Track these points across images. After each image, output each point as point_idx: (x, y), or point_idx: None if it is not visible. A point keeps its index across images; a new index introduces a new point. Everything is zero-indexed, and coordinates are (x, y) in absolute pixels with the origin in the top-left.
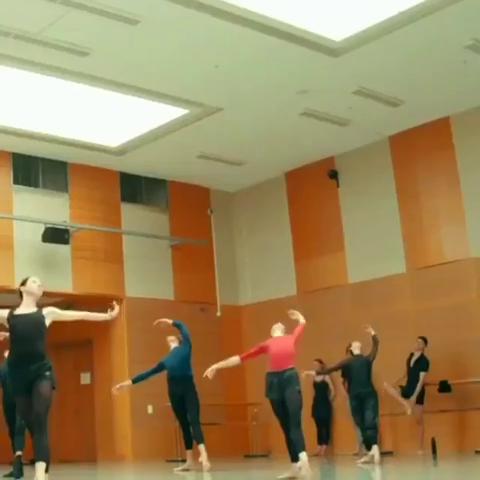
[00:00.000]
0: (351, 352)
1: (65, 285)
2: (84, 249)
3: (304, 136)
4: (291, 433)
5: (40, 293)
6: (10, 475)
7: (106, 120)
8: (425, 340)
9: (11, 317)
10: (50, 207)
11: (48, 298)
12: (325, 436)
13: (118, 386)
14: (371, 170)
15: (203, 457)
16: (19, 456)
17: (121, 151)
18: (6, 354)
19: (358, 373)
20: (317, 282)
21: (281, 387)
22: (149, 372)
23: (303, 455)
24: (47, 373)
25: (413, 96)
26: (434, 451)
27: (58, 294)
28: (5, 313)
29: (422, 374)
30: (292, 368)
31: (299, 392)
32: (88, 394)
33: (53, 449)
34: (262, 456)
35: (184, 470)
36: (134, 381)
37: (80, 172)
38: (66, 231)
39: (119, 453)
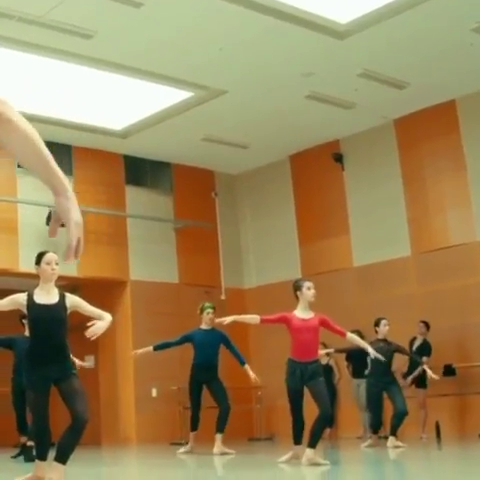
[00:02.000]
0: (376, 331)
1: (69, 268)
2: (88, 232)
3: (309, 119)
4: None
5: (55, 278)
6: (18, 455)
7: (110, 103)
8: (427, 324)
9: (31, 305)
10: None
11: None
12: (330, 419)
13: (139, 352)
14: (376, 153)
15: (220, 446)
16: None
17: (125, 134)
18: (27, 332)
19: (378, 361)
20: (322, 265)
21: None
22: (172, 343)
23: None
24: (74, 371)
25: (419, 79)
26: (438, 435)
27: (62, 278)
28: (23, 298)
29: (425, 359)
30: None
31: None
32: (92, 377)
33: (57, 433)
34: (266, 439)
35: (187, 452)
36: (156, 348)
37: (84, 155)
38: None
39: (123, 436)
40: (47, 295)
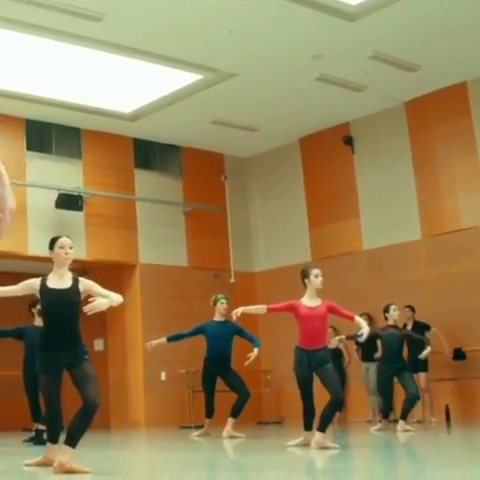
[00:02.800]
0: (385, 317)
1: (78, 252)
2: (97, 215)
3: (319, 101)
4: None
5: (69, 262)
6: (29, 440)
7: (119, 86)
8: (412, 308)
9: (44, 290)
10: (63, 173)
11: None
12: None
13: (154, 343)
14: (387, 136)
15: (230, 430)
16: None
17: (134, 117)
18: (36, 321)
19: (390, 347)
20: (331, 248)
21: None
22: (185, 334)
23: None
24: (86, 357)
25: (429, 61)
26: (448, 419)
27: (72, 261)
28: (36, 283)
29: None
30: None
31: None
32: (101, 361)
33: (67, 416)
34: (275, 423)
35: (201, 435)
36: (169, 339)
37: (93, 138)
38: (79, 197)
39: (132, 419)
40: (60, 280)
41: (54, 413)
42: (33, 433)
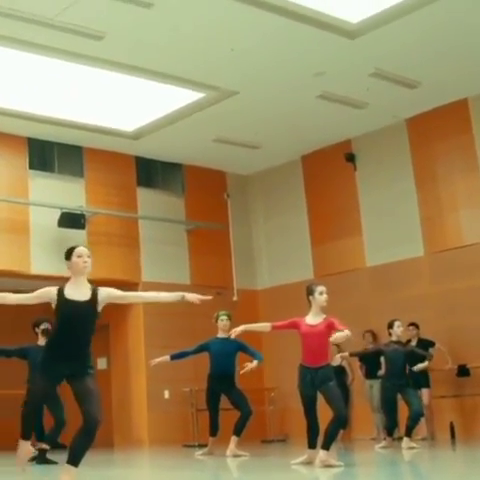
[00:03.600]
0: (389, 333)
1: None
2: (100, 234)
3: (321, 119)
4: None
5: (87, 271)
6: (32, 460)
7: (121, 104)
8: (416, 326)
9: (61, 300)
10: (66, 192)
11: (64, 283)
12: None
13: (156, 361)
14: (388, 153)
15: (233, 449)
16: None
17: (137, 135)
18: (40, 341)
19: (393, 363)
20: (334, 266)
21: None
22: (189, 352)
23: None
24: (91, 371)
25: (430, 78)
26: (452, 436)
27: None
28: (53, 293)
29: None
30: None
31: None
32: (105, 379)
33: (70, 434)
34: (279, 441)
35: (205, 454)
36: (173, 357)
37: (96, 157)
38: (82, 216)
39: (136, 438)
40: (78, 290)
41: (33, 412)
42: (36, 452)
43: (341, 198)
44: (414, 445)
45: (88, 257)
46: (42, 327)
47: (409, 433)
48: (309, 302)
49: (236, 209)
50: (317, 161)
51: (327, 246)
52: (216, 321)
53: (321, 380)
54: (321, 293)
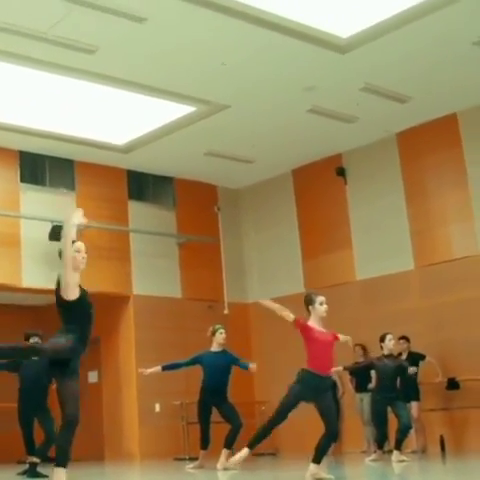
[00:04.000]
0: (381, 346)
1: None
2: (91, 247)
3: (311, 133)
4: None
5: (83, 266)
6: (23, 473)
7: (113, 118)
8: (407, 339)
9: (83, 291)
10: (57, 205)
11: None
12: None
13: (148, 372)
14: (378, 167)
15: (224, 462)
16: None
17: (128, 149)
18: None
19: (384, 376)
20: (325, 279)
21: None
22: (182, 363)
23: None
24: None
25: (420, 92)
26: (443, 449)
27: None
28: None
29: (414, 369)
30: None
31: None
32: (95, 392)
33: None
34: (269, 454)
35: (196, 468)
36: (164, 368)
37: (87, 170)
38: None
39: (126, 451)
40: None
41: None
42: (27, 466)
43: (332, 212)
44: (404, 458)
45: (85, 253)
46: (31, 340)
47: (399, 446)
48: (308, 312)
49: (227, 222)
50: (308, 175)
51: (318, 259)
52: (213, 335)
53: (324, 389)
54: (321, 303)
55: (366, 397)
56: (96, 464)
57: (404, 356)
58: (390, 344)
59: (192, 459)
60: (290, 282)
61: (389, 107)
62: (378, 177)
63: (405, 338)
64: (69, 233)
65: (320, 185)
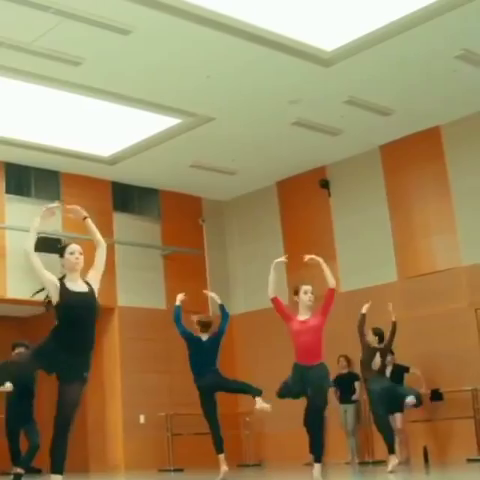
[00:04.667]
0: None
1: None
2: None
3: (295, 145)
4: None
5: (79, 267)
6: None
7: (98, 130)
8: (392, 352)
9: (65, 291)
10: None
11: (40, 308)
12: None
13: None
14: (362, 179)
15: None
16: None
17: (113, 161)
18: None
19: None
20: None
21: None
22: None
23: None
24: (86, 374)
25: (404, 105)
26: (426, 460)
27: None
28: (56, 282)
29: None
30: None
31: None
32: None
33: (46, 459)
34: (255, 465)
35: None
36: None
37: (72, 182)
38: (58, 241)
39: (111, 463)
40: (76, 282)
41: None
42: (11, 477)
43: (315, 224)
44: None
45: (80, 254)
46: (17, 350)
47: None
48: (296, 302)
49: (212, 234)
50: (292, 187)
51: (302, 271)
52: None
53: (312, 380)
54: (306, 292)
55: (350, 408)
56: (81, 476)
57: (389, 369)
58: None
59: (176, 470)
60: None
61: (373, 120)
62: (362, 189)
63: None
64: (31, 237)
65: (304, 197)
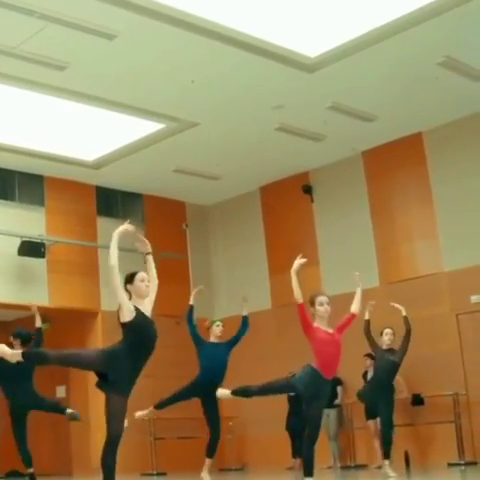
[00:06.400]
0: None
1: (41, 298)
2: (60, 262)
3: (279, 151)
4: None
5: (147, 294)
6: None
7: (83, 134)
8: (371, 356)
9: (140, 314)
10: (26, 220)
11: (24, 311)
12: (299, 449)
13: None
14: (345, 185)
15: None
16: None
17: (97, 165)
18: None
19: (382, 372)
20: (292, 296)
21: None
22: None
23: None
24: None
25: (386, 112)
26: (407, 464)
27: None
28: (132, 304)
29: None
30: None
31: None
32: None
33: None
34: (237, 470)
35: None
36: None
37: (56, 186)
38: (42, 245)
39: (95, 466)
40: (144, 308)
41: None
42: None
43: (298, 229)
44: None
45: (148, 282)
46: (19, 340)
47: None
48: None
49: (195, 239)
50: (275, 192)
51: (284, 276)
52: (210, 328)
53: (323, 395)
54: (321, 304)
55: (332, 412)
56: (64, 479)
57: (370, 373)
58: (386, 338)
59: (159, 474)
60: (257, 299)
61: (356, 126)
62: (344, 195)
63: (370, 355)
64: (113, 253)
65: (287, 202)
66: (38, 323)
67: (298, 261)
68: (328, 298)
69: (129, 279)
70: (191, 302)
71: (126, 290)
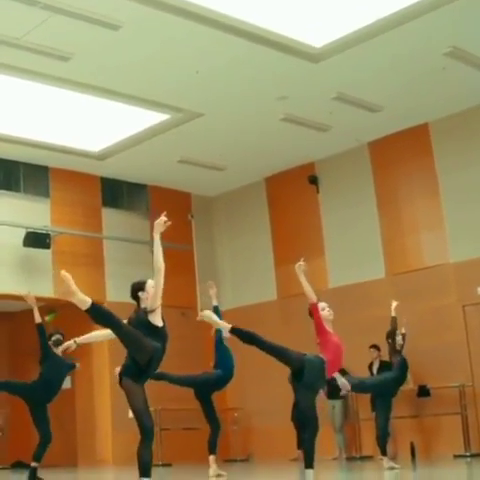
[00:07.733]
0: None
1: (46, 290)
2: (65, 253)
3: (284, 141)
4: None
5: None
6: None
7: (87, 125)
8: (377, 347)
9: (163, 317)
10: (31, 212)
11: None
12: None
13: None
14: (351, 175)
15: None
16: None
17: (102, 156)
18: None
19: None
20: (297, 287)
21: None
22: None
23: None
24: None
25: (392, 102)
26: (413, 456)
27: (39, 299)
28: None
29: None
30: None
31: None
32: (69, 398)
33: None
34: (242, 461)
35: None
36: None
37: (61, 177)
38: (47, 236)
39: (99, 457)
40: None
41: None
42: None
43: (304, 220)
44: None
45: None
46: (53, 338)
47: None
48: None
49: (200, 230)
50: (280, 183)
51: (290, 267)
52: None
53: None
54: (323, 309)
55: (338, 404)
56: (69, 470)
57: (376, 365)
58: (399, 338)
59: (165, 465)
60: (263, 289)
61: (361, 116)
62: (350, 185)
63: (376, 347)
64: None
65: (292, 193)
66: (37, 318)
67: (298, 268)
68: (326, 303)
69: (141, 287)
70: (215, 303)
71: (136, 297)
